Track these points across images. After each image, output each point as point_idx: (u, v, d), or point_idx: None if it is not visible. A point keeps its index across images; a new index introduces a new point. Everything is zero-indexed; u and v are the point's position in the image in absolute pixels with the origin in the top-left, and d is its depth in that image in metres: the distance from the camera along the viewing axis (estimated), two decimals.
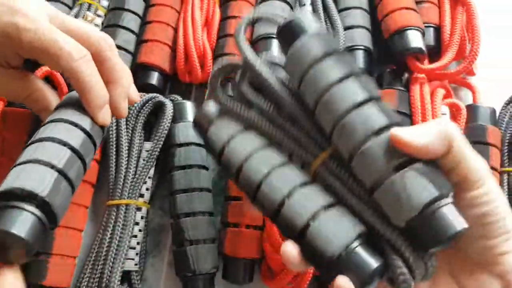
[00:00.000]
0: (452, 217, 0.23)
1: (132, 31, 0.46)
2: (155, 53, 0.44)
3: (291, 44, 0.27)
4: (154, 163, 0.41)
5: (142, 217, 0.39)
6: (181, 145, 0.40)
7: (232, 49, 0.43)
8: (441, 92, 0.41)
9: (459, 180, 0.24)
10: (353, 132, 0.24)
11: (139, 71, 0.44)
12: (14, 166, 0.27)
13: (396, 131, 0.23)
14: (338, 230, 0.24)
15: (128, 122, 0.41)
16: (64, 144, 0.28)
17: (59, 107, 0.32)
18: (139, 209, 0.39)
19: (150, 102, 0.42)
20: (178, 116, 0.42)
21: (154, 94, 0.42)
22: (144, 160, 0.40)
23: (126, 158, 0.40)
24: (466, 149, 0.24)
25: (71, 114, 0.31)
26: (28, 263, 0.37)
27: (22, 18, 0.29)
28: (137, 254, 0.38)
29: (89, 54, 0.31)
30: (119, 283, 0.35)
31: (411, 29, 0.40)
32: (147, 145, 0.41)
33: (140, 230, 0.39)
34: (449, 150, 0.23)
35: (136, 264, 0.38)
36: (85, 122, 0.31)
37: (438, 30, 0.43)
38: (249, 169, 0.28)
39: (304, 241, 0.25)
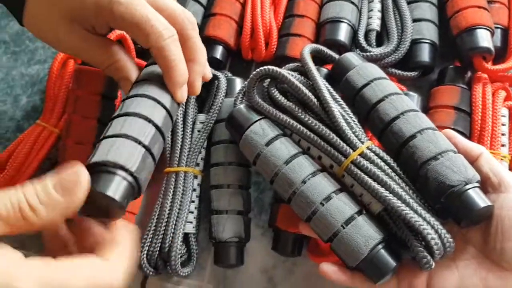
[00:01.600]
0: (477, 197, 0.30)
1: (200, 3, 0.47)
2: (222, 27, 0.45)
3: (343, 74, 0.37)
4: (208, 135, 0.42)
5: (198, 184, 0.41)
6: (223, 120, 0.41)
7: (297, 30, 0.44)
8: (502, 94, 0.41)
9: (497, 183, 0.31)
10: (404, 130, 0.33)
11: (204, 43, 0.45)
12: (104, 138, 0.28)
13: (450, 132, 0.35)
14: (361, 238, 0.31)
15: None
16: (149, 120, 0.30)
17: (141, 80, 0.33)
18: (195, 177, 0.41)
19: None
20: (227, 91, 0.43)
21: None
22: (199, 131, 0.42)
23: (182, 129, 0.42)
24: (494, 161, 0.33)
25: (153, 90, 0.32)
26: None
27: None
28: (194, 218, 0.40)
29: (176, 34, 0.32)
30: (181, 243, 0.38)
31: (481, 28, 0.40)
32: (201, 117, 0.43)
33: (197, 196, 0.41)
34: (480, 156, 0.33)
35: (194, 227, 0.40)
36: (166, 100, 0.32)
37: (506, 31, 0.43)
38: (283, 178, 0.33)
39: (332, 245, 0.32)
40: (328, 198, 0.32)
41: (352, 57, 0.38)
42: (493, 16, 0.43)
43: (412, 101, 0.39)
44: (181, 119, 0.42)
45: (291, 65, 0.40)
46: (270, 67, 0.37)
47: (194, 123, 0.42)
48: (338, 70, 0.38)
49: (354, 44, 0.44)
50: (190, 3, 0.46)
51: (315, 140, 0.34)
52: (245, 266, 0.40)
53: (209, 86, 0.44)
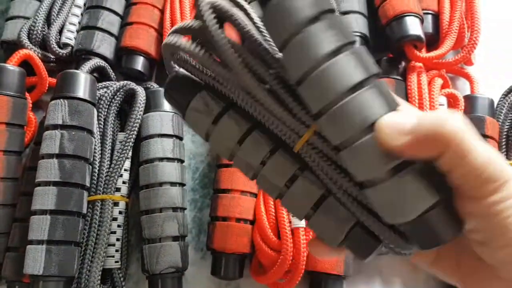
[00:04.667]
0: (444, 224, 0.21)
1: (116, 13, 0.43)
2: (140, 36, 0.41)
3: None
4: (129, 155, 0.38)
5: (120, 212, 0.37)
6: (150, 136, 0.37)
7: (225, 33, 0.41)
8: (439, 81, 0.40)
9: (466, 184, 0.20)
10: (347, 121, 0.21)
11: (123, 55, 0.42)
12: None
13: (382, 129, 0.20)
14: (335, 221, 0.24)
15: (99, 113, 0.38)
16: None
17: None
18: (116, 204, 0.37)
19: (121, 90, 0.39)
20: (152, 104, 0.39)
21: (126, 82, 0.39)
22: (118, 152, 0.38)
23: (100, 151, 0.37)
24: (471, 147, 0.19)
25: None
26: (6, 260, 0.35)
27: None
28: (117, 251, 0.36)
29: None
30: (99, 282, 0.33)
31: (409, 15, 0.39)
32: (121, 136, 0.39)
33: (119, 226, 0.37)
34: (444, 151, 0.19)
35: (117, 262, 0.36)
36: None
37: (436, 17, 0.42)
38: (240, 161, 0.26)
39: (308, 224, 0.26)
40: (292, 179, 0.25)
41: None
42: (422, 2, 0.41)
43: None
44: (99, 140, 0.38)
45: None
46: (172, 39, 0.25)
47: (113, 143, 0.38)
48: None
49: None
50: (104, 13, 0.42)
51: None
52: None
53: (131, 102, 0.40)
